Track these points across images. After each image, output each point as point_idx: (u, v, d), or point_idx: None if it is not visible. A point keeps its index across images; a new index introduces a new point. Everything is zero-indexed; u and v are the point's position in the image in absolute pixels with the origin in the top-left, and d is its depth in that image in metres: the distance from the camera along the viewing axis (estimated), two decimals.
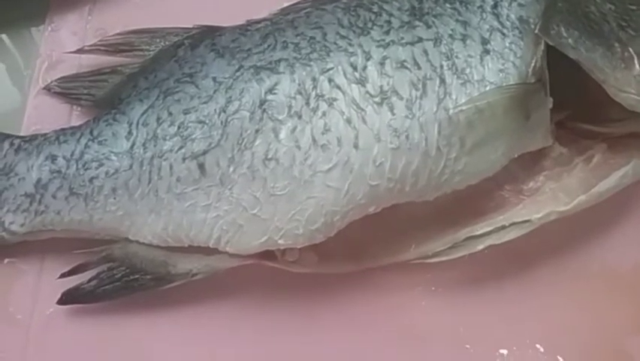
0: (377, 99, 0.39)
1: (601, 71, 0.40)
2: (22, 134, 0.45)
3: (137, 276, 0.41)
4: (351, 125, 0.39)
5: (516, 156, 0.41)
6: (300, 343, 0.42)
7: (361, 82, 0.39)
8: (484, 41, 0.40)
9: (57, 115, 0.47)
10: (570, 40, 0.40)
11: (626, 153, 0.43)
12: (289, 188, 0.39)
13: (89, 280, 0.41)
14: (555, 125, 0.42)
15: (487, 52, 0.40)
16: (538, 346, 0.42)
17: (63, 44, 0.50)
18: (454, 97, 0.39)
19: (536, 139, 0.41)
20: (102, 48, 0.46)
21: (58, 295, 0.42)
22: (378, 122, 0.39)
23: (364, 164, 0.39)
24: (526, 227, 0.41)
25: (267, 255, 0.41)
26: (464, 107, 0.39)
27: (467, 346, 0.42)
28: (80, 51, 0.47)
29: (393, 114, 0.39)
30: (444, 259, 0.42)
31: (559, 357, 0.42)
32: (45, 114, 0.48)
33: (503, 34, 0.41)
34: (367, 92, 0.39)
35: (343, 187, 0.39)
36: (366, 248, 0.43)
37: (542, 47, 0.40)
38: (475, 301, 0.43)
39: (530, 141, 0.41)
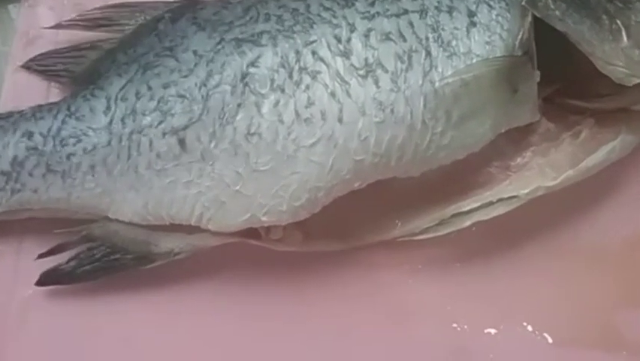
0: (362, 72, 0.38)
1: (589, 43, 0.39)
2: None
3: (117, 256, 0.40)
4: (335, 98, 0.38)
5: (503, 130, 0.40)
6: (285, 321, 0.42)
7: (345, 54, 0.39)
8: (471, 13, 0.40)
9: (35, 92, 0.46)
10: (557, 12, 0.40)
11: (613, 127, 0.42)
12: (272, 163, 0.38)
13: (68, 261, 0.41)
14: (543, 100, 0.41)
15: (473, 24, 0.39)
16: (525, 324, 0.42)
17: (40, 20, 0.49)
18: (439, 70, 0.38)
19: (523, 113, 0.40)
20: (80, 23, 0.45)
21: (37, 277, 0.41)
22: (363, 96, 0.38)
23: (349, 138, 0.38)
24: (513, 203, 0.41)
25: (251, 233, 0.40)
26: (450, 80, 0.38)
27: (454, 325, 0.42)
28: (57, 26, 0.46)
29: (378, 87, 0.38)
30: (431, 235, 0.41)
31: (546, 335, 0.41)
32: (23, 91, 0.46)
33: (490, 6, 0.40)
34: (352, 64, 0.38)
35: (327, 162, 0.38)
36: (351, 226, 0.43)
37: (529, 19, 0.40)
38: (463, 279, 0.43)
39: (517, 116, 0.40)
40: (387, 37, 0.39)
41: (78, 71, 0.44)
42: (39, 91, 0.46)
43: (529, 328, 0.42)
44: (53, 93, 0.46)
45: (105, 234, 0.40)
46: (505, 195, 0.41)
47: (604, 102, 0.43)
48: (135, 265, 0.40)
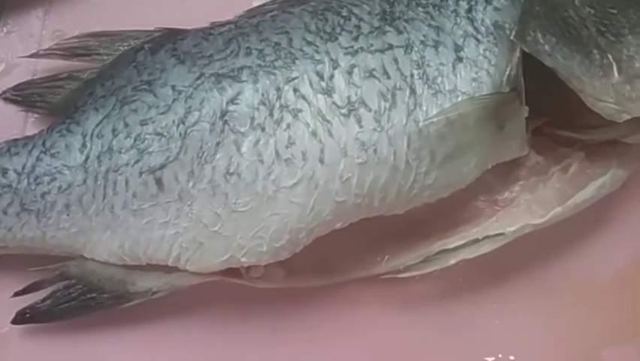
0: (344, 111, 0.37)
1: (578, 80, 0.38)
2: None
3: (94, 295, 0.39)
4: (317, 138, 0.37)
5: (490, 167, 0.40)
6: (266, 358, 0.41)
7: (328, 92, 0.38)
8: (458, 48, 0.39)
9: (12, 123, 0.45)
10: (547, 47, 0.39)
11: (603, 161, 0.42)
12: (252, 204, 0.37)
13: (44, 299, 0.40)
14: (531, 132, 0.41)
15: (460, 59, 0.38)
16: (512, 358, 0.41)
17: (18, 48, 0.48)
18: (424, 108, 0.37)
19: (511, 149, 0.40)
20: (59, 52, 0.44)
21: (13, 315, 0.40)
22: (345, 136, 0.37)
23: (330, 179, 0.37)
24: (499, 240, 0.40)
25: (231, 271, 0.39)
26: (435, 119, 0.37)
27: None
28: (35, 55, 0.45)
29: (361, 127, 0.37)
30: (415, 273, 0.41)
31: None
32: None
33: (477, 40, 0.39)
34: (334, 102, 0.37)
35: (308, 203, 0.37)
36: (335, 262, 0.42)
37: (518, 53, 0.39)
38: (448, 316, 0.42)
39: (505, 151, 0.40)
40: (370, 74, 0.38)
41: (56, 102, 0.43)
42: (16, 121, 0.45)
43: None
44: (30, 123, 0.45)
45: (81, 272, 0.40)
46: (492, 233, 0.41)
47: (594, 134, 0.42)
48: (112, 304, 0.40)
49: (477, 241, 0.41)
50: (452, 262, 0.40)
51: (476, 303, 0.43)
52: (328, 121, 0.37)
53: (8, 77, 0.47)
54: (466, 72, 0.38)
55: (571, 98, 0.40)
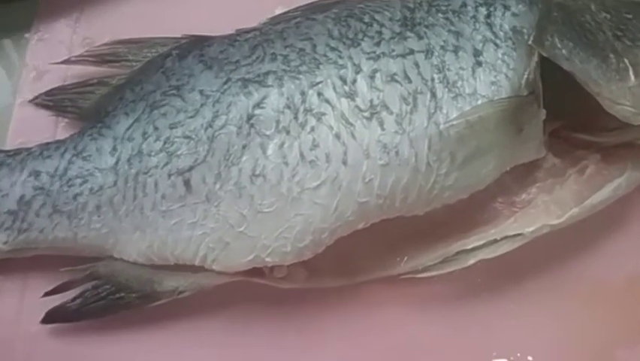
0: (366, 114, 0.38)
1: (595, 83, 0.39)
2: (7, 147, 0.45)
3: (122, 294, 0.40)
4: (340, 140, 0.38)
5: (508, 169, 0.40)
6: (289, 358, 0.42)
7: (351, 96, 0.39)
8: (477, 53, 0.40)
9: (43, 127, 0.46)
10: (564, 52, 0.39)
11: (619, 163, 0.42)
12: (276, 205, 0.38)
13: (74, 299, 0.41)
14: (548, 135, 0.41)
15: (479, 64, 0.39)
16: (530, 358, 0.42)
17: (49, 54, 0.49)
18: (445, 111, 0.38)
19: (529, 151, 0.40)
20: (89, 59, 0.45)
21: (42, 314, 0.41)
22: (368, 138, 0.38)
23: (353, 180, 0.38)
24: (518, 241, 0.41)
25: (255, 271, 0.40)
26: (455, 122, 0.38)
27: None
28: (66, 62, 0.46)
29: (383, 129, 0.38)
30: (434, 273, 0.41)
31: None
32: (31, 126, 0.46)
33: (496, 45, 0.40)
34: (357, 106, 0.38)
35: (332, 204, 0.38)
36: (356, 262, 0.43)
37: (536, 58, 0.39)
38: (467, 316, 0.43)
39: (523, 154, 0.40)
40: (392, 78, 0.39)
41: (86, 107, 0.44)
42: (47, 126, 0.46)
43: None
44: (61, 128, 0.46)
45: (110, 272, 0.41)
46: (510, 233, 0.41)
47: (610, 136, 0.42)
48: (140, 303, 0.40)
49: (495, 241, 0.41)
50: (471, 262, 0.41)
51: (494, 303, 0.43)
52: (351, 124, 0.38)
53: (39, 83, 0.48)
54: (486, 76, 0.39)
55: (587, 102, 0.40)
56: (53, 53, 0.49)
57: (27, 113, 0.47)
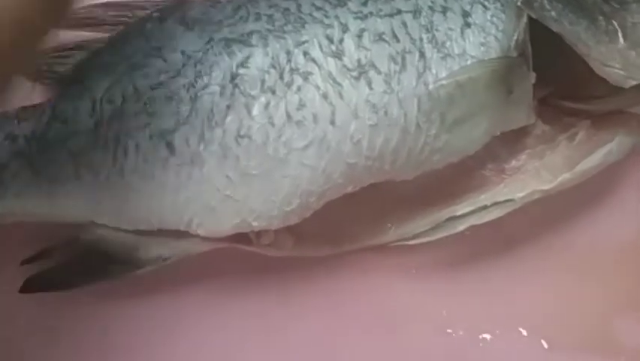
0: (354, 73, 0.37)
1: (585, 44, 0.39)
2: None
3: (105, 261, 0.39)
4: (328, 100, 0.37)
5: (498, 133, 0.40)
6: (275, 328, 0.41)
7: (338, 55, 0.38)
8: (465, 14, 0.39)
9: (19, 92, 0.44)
10: (553, 13, 0.39)
11: (610, 129, 0.42)
12: (263, 167, 0.37)
13: (54, 267, 0.39)
14: (538, 102, 0.41)
15: (468, 25, 0.39)
16: (521, 329, 0.41)
17: None
18: (434, 71, 0.38)
19: (519, 116, 0.40)
20: (66, 23, 0.44)
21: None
22: (356, 98, 0.37)
23: (341, 141, 0.37)
24: (508, 206, 0.40)
25: (241, 238, 0.39)
26: (445, 82, 0.37)
27: (449, 330, 0.41)
28: None
29: (372, 89, 0.37)
30: (424, 240, 0.41)
31: (542, 341, 0.41)
32: None
33: (485, 6, 0.39)
34: (344, 65, 0.38)
35: (320, 165, 0.37)
36: (343, 230, 0.42)
37: (525, 19, 0.39)
38: (457, 284, 0.42)
39: (512, 118, 0.40)
40: (380, 37, 0.38)
41: (63, 72, 0.43)
42: (23, 91, 0.45)
43: (525, 333, 0.41)
44: (38, 94, 0.45)
45: (92, 239, 0.39)
46: (501, 199, 0.41)
47: (599, 104, 0.42)
48: (123, 270, 0.39)
49: (485, 207, 0.41)
50: (461, 228, 0.40)
51: (484, 272, 0.42)
52: (339, 84, 0.37)
53: None
54: (475, 37, 0.38)
55: (575, 70, 0.40)
56: None
57: None
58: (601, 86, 0.40)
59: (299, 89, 0.37)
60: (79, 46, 0.43)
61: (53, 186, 0.39)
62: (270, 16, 0.39)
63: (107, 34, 0.43)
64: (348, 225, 0.42)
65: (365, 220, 0.42)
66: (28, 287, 0.40)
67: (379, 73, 0.37)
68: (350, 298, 0.42)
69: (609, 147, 0.41)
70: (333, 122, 0.37)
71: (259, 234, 0.40)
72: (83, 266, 0.39)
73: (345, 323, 0.41)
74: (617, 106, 0.42)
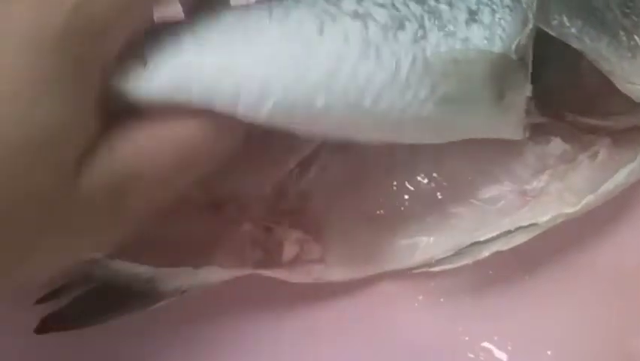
0: (350, 15, 0.35)
1: (607, 61, 0.38)
2: None
3: (121, 296, 0.38)
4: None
5: (480, 137, 0.38)
6: (297, 354, 0.41)
7: (335, 3, 0.35)
8: (472, 13, 0.37)
9: None
10: (574, 30, 0.38)
11: (631, 146, 0.41)
12: None
13: (69, 305, 0.38)
14: (554, 118, 0.40)
15: (473, 21, 0.37)
16: (549, 352, 0.41)
17: None
18: (432, 42, 0.35)
19: (507, 126, 0.38)
20: None
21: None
22: (350, 30, 0.34)
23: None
24: (532, 231, 0.39)
25: (264, 262, 0.39)
26: (443, 53, 0.35)
27: (471, 355, 0.41)
28: None
29: (367, 29, 0.35)
30: (448, 267, 0.40)
31: None
32: None
33: (493, 9, 0.37)
34: (340, 10, 0.35)
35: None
36: (367, 255, 0.41)
37: (530, 25, 0.37)
38: (480, 309, 0.42)
39: (499, 126, 0.38)
40: (381, 6, 0.36)
41: None
42: None
43: (549, 353, 0.41)
44: None
45: (106, 274, 0.37)
46: (524, 223, 0.40)
47: (617, 120, 0.41)
48: (140, 305, 0.38)
49: (509, 232, 0.40)
50: (485, 254, 0.39)
51: (508, 295, 0.42)
52: (334, 16, 0.35)
53: None
54: (479, 31, 0.36)
55: (590, 84, 0.39)
56: None
57: None
58: (618, 102, 0.39)
59: None
60: None
61: None
62: None
63: None
64: (372, 251, 0.41)
65: (388, 247, 0.41)
66: (43, 327, 0.38)
67: (376, 22, 0.35)
68: (370, 324, 0.41)
69: (632, 167, 0.40)
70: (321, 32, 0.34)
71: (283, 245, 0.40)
72: (99, 302, 0.38)
73: (367, 349, 0.41)
74: (634, 123, 0.41)
